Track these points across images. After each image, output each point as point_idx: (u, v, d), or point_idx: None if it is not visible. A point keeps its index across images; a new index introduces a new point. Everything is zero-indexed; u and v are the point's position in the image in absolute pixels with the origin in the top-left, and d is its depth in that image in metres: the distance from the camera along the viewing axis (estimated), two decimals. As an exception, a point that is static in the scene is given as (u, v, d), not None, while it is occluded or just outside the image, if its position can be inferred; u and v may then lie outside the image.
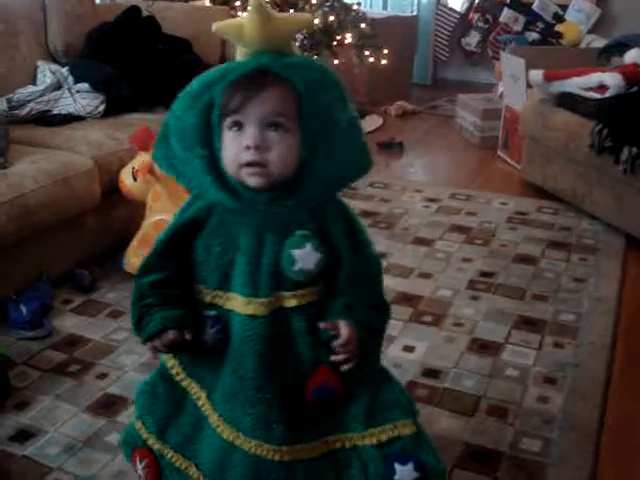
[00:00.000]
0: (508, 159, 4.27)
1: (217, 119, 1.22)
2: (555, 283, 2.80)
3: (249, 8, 1.20)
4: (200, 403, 1.38)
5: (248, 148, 1.21)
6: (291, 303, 1.28)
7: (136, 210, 2.75)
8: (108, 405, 2.05)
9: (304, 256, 1.24)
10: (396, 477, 1.30)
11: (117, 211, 2.84)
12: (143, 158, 2.67)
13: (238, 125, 1.22)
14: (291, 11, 4.83)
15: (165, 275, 1.34)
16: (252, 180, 1.23)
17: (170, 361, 1.41)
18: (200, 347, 1.33)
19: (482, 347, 2.35)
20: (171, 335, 1.29)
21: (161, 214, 2.70)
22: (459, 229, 3.29)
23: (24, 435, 1.93)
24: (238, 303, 1.29)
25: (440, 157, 4.54)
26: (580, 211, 3.44)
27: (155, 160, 1.36)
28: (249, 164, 1.22)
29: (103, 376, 2.18)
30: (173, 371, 1.40)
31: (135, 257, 2.72)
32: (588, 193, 3.36)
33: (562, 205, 3.54)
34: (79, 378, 2.17)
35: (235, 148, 1.22)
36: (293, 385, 1.31)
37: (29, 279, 2.50)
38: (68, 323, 2.46)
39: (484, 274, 2.86)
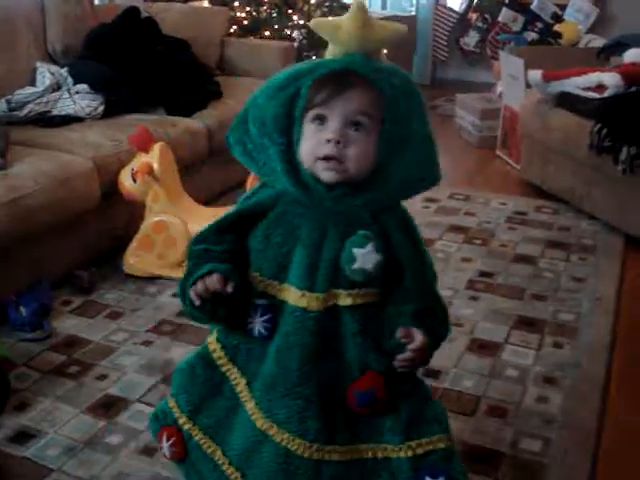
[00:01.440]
0: (507, 159, 4.28)
1: (300, 111, 1.25)
2: (554, 283, 2.80)
3: (350, 9, 1.24)
4: (238, 389, 1.38)
5: (328, 141, 1.23)
6: (346, 302, 1.29)
7: (135, 211, 2.76)
8: (108, 406, 2.05)
9: (364, 255, 1.25)
10: None
11: (116, 212, 2.84)
12: (143, 159, 2.68)
13: (321, 119, 1.25)
14: (289, 11, 4.84)
15: (218, 247, 1.33)
16: (326, 175, 1.25)
17: (212, 344, 1.42)
18: (247, 334, 1.34)
19: (481, 347, 2.35)
20: (216, 279, 1.26)
21: (160, 215, 2.71)
22: (458, 229, 3.29)
23: (24, 436, 1.93)
24: (292, 295, 1.30)
25: (439, 157, 4.53)
26: (579, 211, 3.45)
27: (229, 144, 1.37)
28: (327, 157, 1.24)
29: (103, 377, 2.18)
30: (215, 355, 1.41)
31: (134, 258, 2.74)
32: (587, 193, 3.37)
33: (561, 205, 3.55)
34: (79, 379, 2.17)
35: (315, 141, 1.25)
36: (335, 385, 1.31)
37: (28, 280, 2.50)
38: (68, 324, 2.46)
39: (483, 274, 2.86)
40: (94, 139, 2.83)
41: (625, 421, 2.05)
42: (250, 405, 1.36)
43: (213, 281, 1.27)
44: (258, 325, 1.33)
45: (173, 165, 2.80)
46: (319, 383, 1.30)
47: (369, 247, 1.24)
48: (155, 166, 2.67)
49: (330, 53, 1.29)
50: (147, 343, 2.35)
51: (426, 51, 6.29)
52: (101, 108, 3.12)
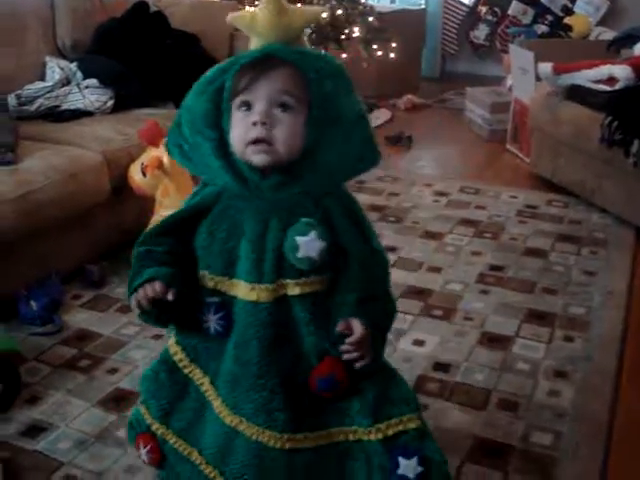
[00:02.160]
0: (517, 152, 4.26)
1: (227, 101, 1.26)
2: (565, 276, 2.79)
3: None
4: (203, 389, 1.39)
5: (255, 124, 1.23)
6: (294, 291, 1.29)
7: (145, 205, 2.75)
8: (119, 400, 2.06)
9: (308, 243, 1.25)
10: (399, 471, 1.30)
11: (126, 206, 2.84)
12: (152, 153, 2.68)
13: (247, 105, 1.25)
14: (298, 5, 4.83)
15: (163, 249, 1.34)
16: (257, 158, 1.25)
17: (173, 347, 1.42)
18: (204, 333, 1.35)
19: (492, 341, 2.35)
20: (157, 286, 1.26)
21: (170, 209, 2.65)
22: (469, 223, 3.28)
23: (35, 430, 1.94)
24: (242, 289, 1.30)
25: (449, 150, 4.53)
26: (590, 204, 3.43)
27: (167, 148, 1.38)
28: (255, 141, 1.23)
29: (114, 371, 2.19)
30: (176, 357, 1.41)
31: (145, 252, 2.73)
32: (598, 186, 3.35)
33: (572, 198, 3.53)
34: (90, 373, 2.18)
35: (243, 126, 1.25)
36: (297, 374, 1.32)
37: (39, 275, 2.50)
38: (78, 318, 2.47)
39: (494, 268, 2.85)
40: (104, 133, 2.84)
41: (637, 413, 2.05)
42: (217, 403, 1.36)
43: (154, 289, 1.27)
44: (213, 323, 1.33)
45: (182, 159, 2.79)
46: (280, 373, 1.31)
47: (312, 235, 1.25)
48: (165, 160, 2.66)
49: (252, 45, 1.29)
50: (157, 337, 2.35)
51: (435, 44, 6.27)
52: (110, 102, 3.12)
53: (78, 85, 3.11)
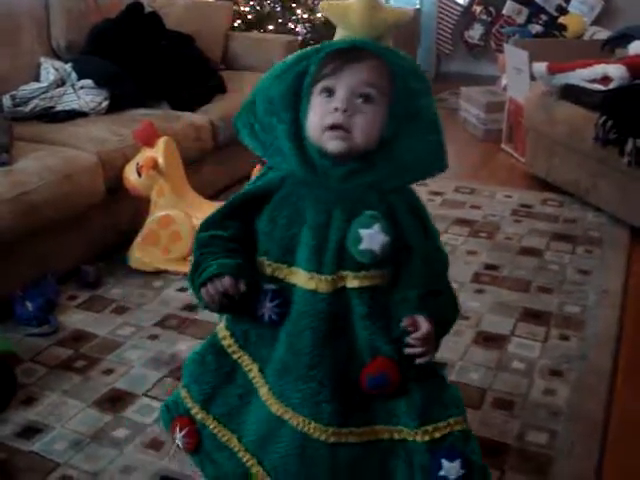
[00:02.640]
0: (512, 152, 4.27)
1: (308, 85, 1.27)
2: (560, 275, 2.79)
3: None
4: (251, 376, 1.38)
5: (336, 110, 1.24)
6: (353, 284, 1.28)
7: (141, 206, 2.76)
8: (115, 400, 2.05)
9: (371, 236, 1.23)
10: (442, 473, 1.29)
11: (122, 207, 2.85)
12: (147, 154, 2.68)
13: (329, 91, 1.26)
14: (293, 5, 4.83)
15: (225, 233, 1.33)
16: (333, 145, 1.25)
17: (222, 332, 1.41)
18: (256, 320, 1.33)
19: (488, 340, 2.35)
20: (226, 281, 1.26)
21: (166, 210, 2.71)
22: (464, 222, 3.29)
23: (31, 431, 1.93)
24: (300, 277, 1.29)
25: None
26: (585, 203, 3.44)
27: (236, 128, 1.37)
28: (333, 127, 1.24)
29: (109, 372, 2.18)
30: (225, 342, 1.40)
31: (140, 253, 2.74)
32: (593, 185, 3.36)
33: (567, 197, 3.54)
34: (85, 374, 2.17)
35: (322, 111, 1.26)
36: (347, 369, 1.31)
37: (34, 275, 2.50)
38: (74, 319, 2.47)
39: (489, 267, 2.85)
40: (99, 134, 2.84)
41: (632, 413, 2.05)
42: (264, 390, 1.35)
43: (223, 284, 1.26)
44: (268, 311, 1.32)
45: (178, 160, 2.80)
46: (331, 366, 1.30)
47: (376, 227, 1.23)
48: (160, 160, 2.67)
49: (339, 36, 1.31)
50: (153, 337, 2.35)
51: (430, 44, 6.27)
52: (105, 103, 3.12)
53: (73, 86, 3.11)
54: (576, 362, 2.24)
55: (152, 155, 2.67)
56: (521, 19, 5.66)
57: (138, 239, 2.74)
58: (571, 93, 3.42)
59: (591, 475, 1.81)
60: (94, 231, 2.75)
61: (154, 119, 2.93)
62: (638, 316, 2.55)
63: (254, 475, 1.37)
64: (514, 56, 4.20)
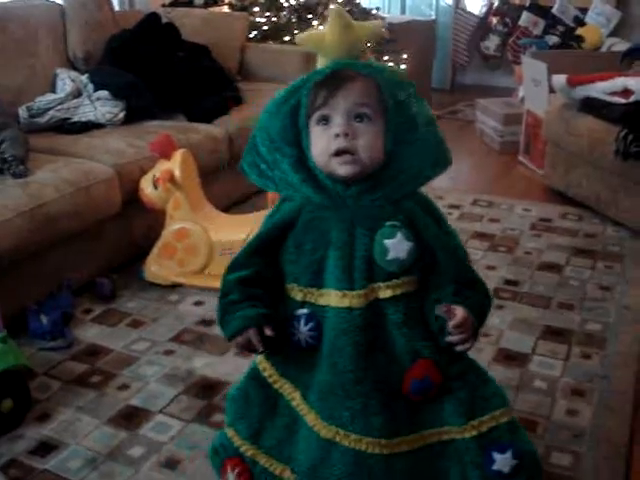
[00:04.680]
0: (530, 164, 4.22)
1: (304, 118, 1.31)
2: (581, 291, 2.75)
3: (329, 17, 1.35)
4: (295, 403, 1.39)
5: (337, 136, 1.28)
6: (386, 294, 1.32)
7: (157, 219, 2.74)
8: (130, 417, 2.02)
9: (396, 245, 1.29)
10: (495, 466, 1.34)
11: (137, 220, 2.83)
12: (164, 166, 2.66)
13: (325, 119, 1.30)
14: (309, 16, 4.81)
15: (251, 272, 1.37)
16: (343, 169, 1.29)
17: (262, 363, 1.43)
18: (293, 346, 1.36)
19: (509, 358, 2.31)
20: (251, 334, 1.30)
21: (182, 223, 2.69)
22: (482, 236, 3.25)
23: (45, 448, 1.91)
24: (333, 298, 1.32)
25: (461, 162, 4.49)
26: (605, 217, 3.39)
27: (244, 171, 1.41)
28: (339, 152, 1.28)
29: (125, 387, 2.15)
30: (265, 373, 1.42)
31: (155, 266, 2.72)
32: (613, 199, 3.31)
33: (586, 211, 3.49)
34: (100, 389, 2.15)
35: (324, 140, 1.29)
36: (390, 377, 1.33)
37: (49, 288, 2.48)
38: (89, 333, 2.44)
39: (509, 282, 2.81)
40: (115, 146, 2.82)
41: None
42: (310, 417, 1.36)
43: (250, 336, 1.31)
44: (304, 335, 1.35)
45: (194, 172, 2.78)
46: (375, 378, 1.32)
47: (399, 236, 1.29)
48: (177, 173, 2.64)
49: (321, 63, 1.36)
50: (169, 352, 2.32)
51: (446, 55, 6.24)
52: (122, 114, 3.10)
53: (89, 97, 3.10)
54: (598, 381, 2.20)
55: (169, 167, 2.65)
56: (537, 30, 5.61)
57: (154, 252, 2.72)
58: (591, 106, 3.38)
59: (617, 500, 1.77)
60: (110, 244, 2.74)
61: (170, 131, 2.92)
62: (661, 334, 2.50)
63: None
64: (532, 68, 4.17)
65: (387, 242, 1.29)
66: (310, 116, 1.31)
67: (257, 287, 1.36)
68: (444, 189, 3.91)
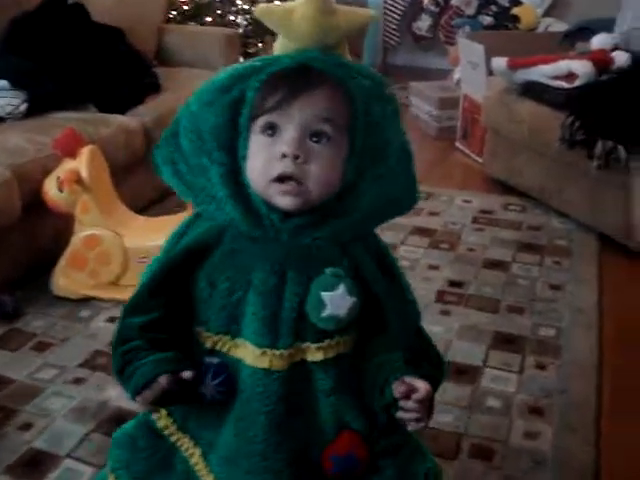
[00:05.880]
0: (468, 151, 4.05)
1: (247, 119, 1.00)
2: (530, 292, 2.58)
3: None
4: (193, 461, 1.12)
5: (284, 156, 0.99)
6: (316, 357, 1.05)
7: (64, 224, 2.44)
8: (34, 464, 1.73)
9: (336, 300, 1.02)
10: None
11: (42, 226, 2.52)
12: (69, 166, 2.38)
13: (273, 128, 1.00)
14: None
15: (157, 315, 1.07)
16: (284, 200, 1.00)
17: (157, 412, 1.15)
18: (198, 399, 1.08)
19: (459, 372, 2.11)
20: (163, 381, 1.00)
21: (92, 228, 2.42)
22: (422, 232, 3.04)
23: None
24: (249, 353, 1.04)
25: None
26: (548, 208, 3.24)
27: (156, 164, 1.09)
28: (282, 178, 0.99)
29: (27, 426, 1.86)
30: (161, 423, 1.14)
31: (64, 278, 2.44)
32: (557, 189, 3.16)
33: (529, 202, 3.34)
34: (0, 430, 1.85)
35: (266, 156, 1.00)
36: (308, 450, 1.08)
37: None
38: (-14, 360, 2.15)
39: (453, 283, 2.62)
40: (14, 143, 2.50)
41: (623, 454, 1.83)
42: None
43: (162, 384, 1.00)
44: (211, 390, 1.06)
45: (105, 171, 2.49)
46: (288, 453, 1.06)
47: (341, 289, 1.02)
48: (84, 173, 2.35)
49: (281, 48, 1.04)
50: (79, 381, 2.04)
51: (376, 36, 6.01)
52: (24, 107, 2.77)
53: (-15, 88, 2.77)
54: (556, 396, 2.02)
55: (74, 167, 2.35)
56: (470, 10, 5.45)
57: (62, 262, 2.43)
58: (533, 90, 3.21)
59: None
60: (10, 255, 2.42)
61: (78, 124, 2.62)
62: (616, 336, 2.35)
63: None
64: (468, 50, 3.98)
65: (325, 295, 1.02)
66: (254, 119, 1.00)
67: (163, 333, 1.08)
68: (380, 180, 3.70)
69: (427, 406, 1.02)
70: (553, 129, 2.99)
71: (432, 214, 3.23)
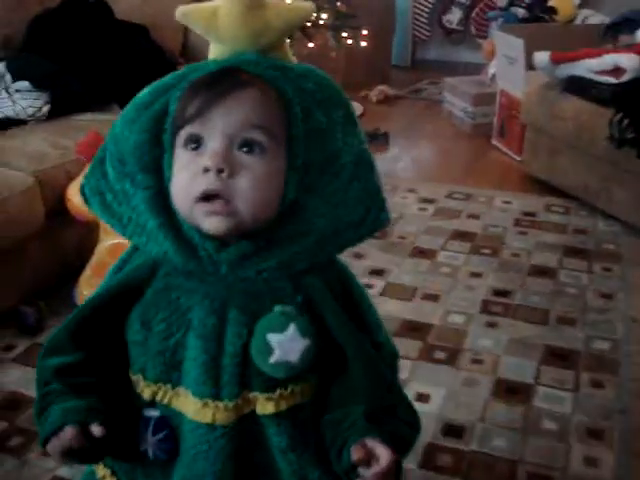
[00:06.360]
0: (505, 149, 3.89)
1: (170, 134, 0.89)
2: (580, 301, 2.42)
3: None
4: None
5: (206, 170, 0.85)
6: (267, 409, 0.91)
7: (88, 232, 2.33)
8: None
9: (286, 343, 0.87)
10: None
11: (65, 234, 2.42)
12: (94, 171, 2.25)
13: (196, 141, 0.87)
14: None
15: (75, 358, 0.94)
16: (211, 223, 0.86)
17: (101, 470, 1.02)
18: (140, 457, 0.95)
19: (509, 391, 1.97)
20: (68, 433, 0.87)
21: (117, 237, 2.28)
22: (462, 236, 2.90)
23: None
24: (190, 404, 0.91)
25: (430, 148, 4.15)
26: (594, 209, 3.08)
27: (84, 196, 0.98)
28: (207, 196, 0.85)
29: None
30: None
31: (89, 288, 2.31)
32: (604, 189, 2.99)
33: (573, 203, 3.17)
34: (22, 456, 1.74)
35: (189, 173, 0.87)
36: None
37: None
38: (8, 377, 2.03)
39: (498, 293, 2.47)
40: (36, 148, 2.39)
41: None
42: None
43: (67, 437, 0.87)
44: (153, 446, 0.94)
45: (131, 176, 2.38)
46: None
47: (291, 330, 0.88)
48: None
49: (215, 52, 0.94)
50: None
51: (406, 30, 5.85)
52: (46, 108, 2.67)
53: (7, 89, 2.67)
54: (616, 417, 1.88)
55: (100, 173, 2.24)
56: (502, 2, 5.27)
57: (87, 272, 2.32)
58: (577, 85, 3.05)
59: None
60: (33, 265, 2.32)
61: (102, 126, 2.48)
62: (675, 349, 2.19)
63: None
64: (505, 44, 3.82)
65: (272, 337, 0.88)
66: (177, 133, 0.89)
67: (88, 376, 0.95)
68: (415, 180, 3.57)
69: (390, 476, 0.86)
70: (599, 126, 2.84)
71: (471, 217, 3.08)
